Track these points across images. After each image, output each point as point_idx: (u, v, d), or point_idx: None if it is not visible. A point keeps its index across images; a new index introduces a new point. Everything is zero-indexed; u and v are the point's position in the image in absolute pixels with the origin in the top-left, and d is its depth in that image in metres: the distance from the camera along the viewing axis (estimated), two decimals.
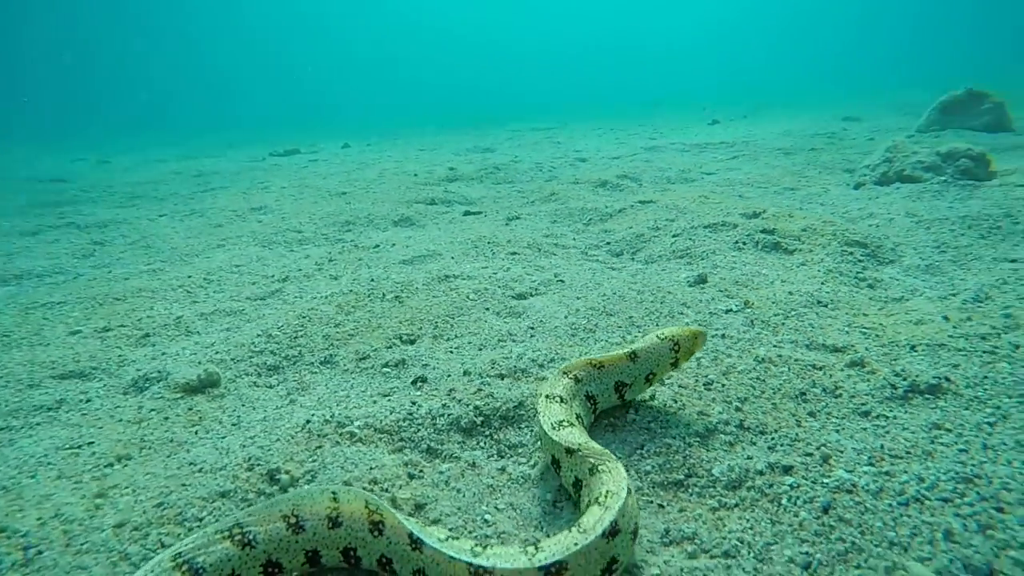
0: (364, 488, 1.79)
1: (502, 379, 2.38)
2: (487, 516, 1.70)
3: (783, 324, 2.71)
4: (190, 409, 2.42)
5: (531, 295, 3.39)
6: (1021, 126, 7.94)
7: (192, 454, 2.04)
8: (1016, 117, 8.04)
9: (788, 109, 14.90)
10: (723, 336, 2.64)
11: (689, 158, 8.24)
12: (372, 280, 3.67)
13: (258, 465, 1.89)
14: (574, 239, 4.62)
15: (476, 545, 1.34)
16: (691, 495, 1.73)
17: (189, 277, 4.20)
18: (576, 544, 1.29)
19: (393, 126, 19.23)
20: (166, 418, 2.35)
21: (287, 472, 1.85)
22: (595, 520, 1.36)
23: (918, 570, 1.41)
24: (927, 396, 2.08)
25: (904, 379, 2.15)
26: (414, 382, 2.44)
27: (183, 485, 1.85)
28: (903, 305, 2.84)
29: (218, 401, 2.49)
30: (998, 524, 1.50)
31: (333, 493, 1.39)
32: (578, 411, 1.89)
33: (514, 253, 4.18)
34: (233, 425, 2.28)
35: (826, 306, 2.85)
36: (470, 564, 1.26)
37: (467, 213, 5.80)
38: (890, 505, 1.60)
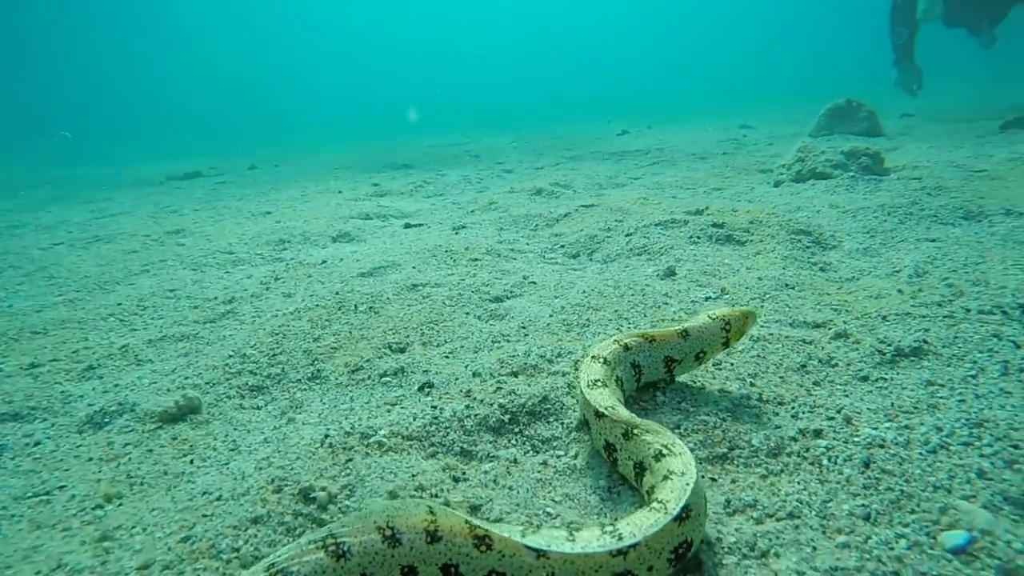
0: (411, 495, 1.70)
1: (516, 376, 2.34)
2: (548, 509, 1.66)
3: (762, 306, 2.87)
4: (175, 439, 2.20)
5: (507, 298, 3.37)
6: (890, 131, 8.90)
7: (200, 484, 1.85)
8: (884, 124, 9.03)
9: (687, 119, 15.85)
10: None
11: (611, 166, 8.55)
12: (337, 294, 3.50)
13: (286, 486, 1.74)
14: (528, 244, 4.65)
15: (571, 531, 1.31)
16: (738, 466, 1.77)
17: (119, 305, 3.82)
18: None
19: (300, 145, 18.55)
20: (149, 451, 2.11)
21: (323, 489, 1.71)
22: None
23: (967, 507, 1.53)
24: (912, 358, 2.27)
25: (889, 345, 2.33)
26: (421, 388, 2.34)
27: (205, 516, 1.66)
28: (857, 284, 3.09)
29: (204, 427, 2.27)
30: (1020, 459, 1.66)
31: (429, 507, 1.30)
32: (621, 375, 1.95)
33: (475, 260, 4.14)
34: (231, 450, 2.08)
35: (794, 288, 3.05)
36: (611, 551, 1.23)
37: (408, 226, 5.69)
38: (921, 454, 1.73)
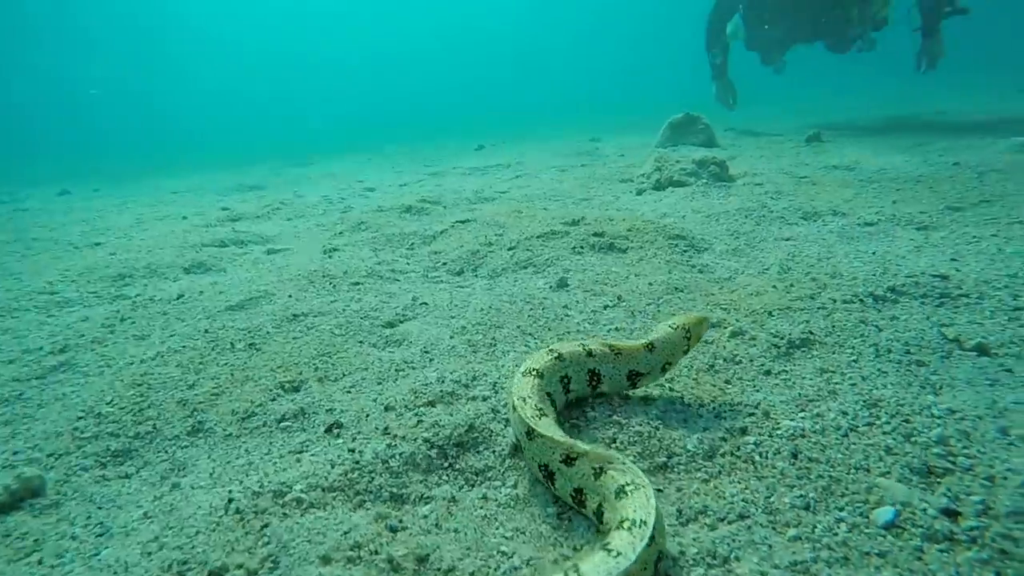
0: (347, 555, 1.48)
1: (434, 406, 2.18)
2: (502, 548, 1.53)
3: (658, 310, 2.97)
4: (8, 535, 1.76)
5: (401, 321, 3.19)
6: (723, 142, 9.88)
7: None
8: (719, 136, 10.01)
9: (538, 133, 16.43)
10: (616, 329, 2.79)
11: (476, 180, 8.58)
12: (206, 332, 3.08)
13: (190, 571, 1.44)
14: (408, 263, 4.47)
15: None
16: (680, 473, 1.78)
17: None
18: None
19: (119, 167, 16.52)
20: None
21: (239, 566, 1.44)
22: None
23: (886, 483, 1.65)
24: (803, 349, 2.45)
25: (781, 339, 2.51)
26: (328, 429, 2.10)
27: None
28: (735, 283, 3.32)
29: (53, 513, 1.85)
30: (914, 432, 1.83)
31: None
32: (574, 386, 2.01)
33: (356, 284, 3.88)
34: (100, 536, 1.71)
35: (683, 291, 3.20)
36: None
37: (271, 251, 5.24)
38: (837, 439, 1.84)
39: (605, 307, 3.06)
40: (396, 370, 2.57)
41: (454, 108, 36.77)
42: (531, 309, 3.11)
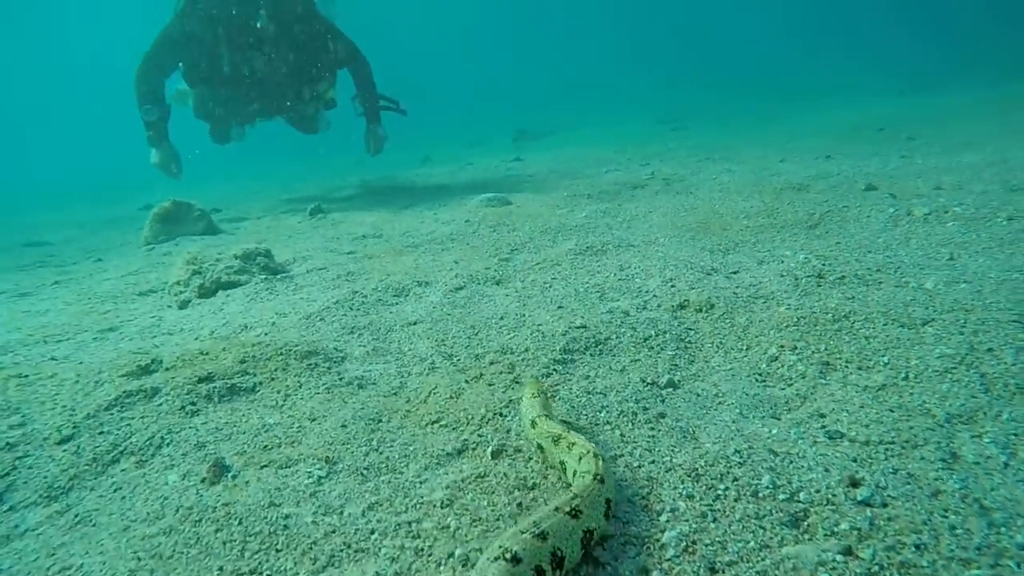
0: None
1: None
2: None
3: (369, 465, 2.37)
4: None
5: None
6: (225, 228, 8.96)
7: None
8: (218, 221, 8.98)
9: None
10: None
11: None
12: None
13: None
14: None
15: None
16: None
17: None
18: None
19: None
20: None
21: None
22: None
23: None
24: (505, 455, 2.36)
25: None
26: None
27: None
28: (406, 390, 2.98)
29: None
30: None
31: None
32: None
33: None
34: None
35: (379, 421, 2.66)
36: None
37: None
38: None
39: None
40: None
41: None
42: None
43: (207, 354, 3.42)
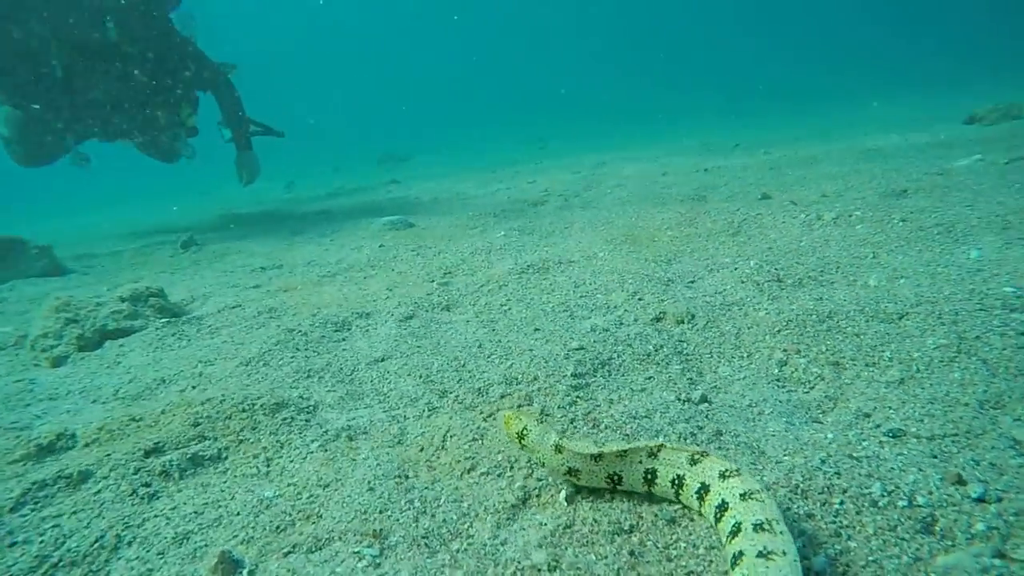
0: None
1: None
2: None
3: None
4: None
5: None
6: (75, 267, 7.60)
7: None
8: (62, 259, 7.57)
9: None
10: None
11: None
12: None
13: None
14: None
15: None
16: None
17: None
18: None
19: None
20: None
21: None
22: None
23: None
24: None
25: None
26: None
27: None
28: (342, 442, 2.60)
29: None
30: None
31: None
32: None
33: None
34: None
35: (409, 477, 2.25)
36: None
37: None
38: None
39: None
40: None
41: None
42: None
43: (140, 420, 2.73)
